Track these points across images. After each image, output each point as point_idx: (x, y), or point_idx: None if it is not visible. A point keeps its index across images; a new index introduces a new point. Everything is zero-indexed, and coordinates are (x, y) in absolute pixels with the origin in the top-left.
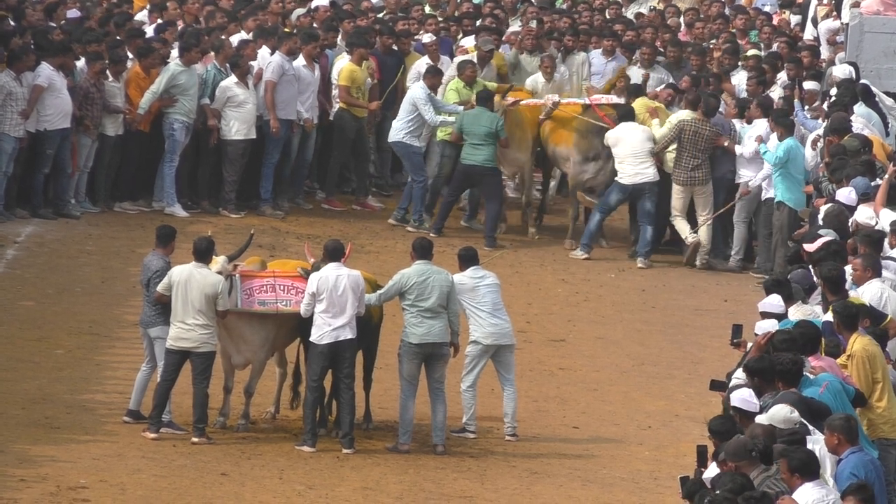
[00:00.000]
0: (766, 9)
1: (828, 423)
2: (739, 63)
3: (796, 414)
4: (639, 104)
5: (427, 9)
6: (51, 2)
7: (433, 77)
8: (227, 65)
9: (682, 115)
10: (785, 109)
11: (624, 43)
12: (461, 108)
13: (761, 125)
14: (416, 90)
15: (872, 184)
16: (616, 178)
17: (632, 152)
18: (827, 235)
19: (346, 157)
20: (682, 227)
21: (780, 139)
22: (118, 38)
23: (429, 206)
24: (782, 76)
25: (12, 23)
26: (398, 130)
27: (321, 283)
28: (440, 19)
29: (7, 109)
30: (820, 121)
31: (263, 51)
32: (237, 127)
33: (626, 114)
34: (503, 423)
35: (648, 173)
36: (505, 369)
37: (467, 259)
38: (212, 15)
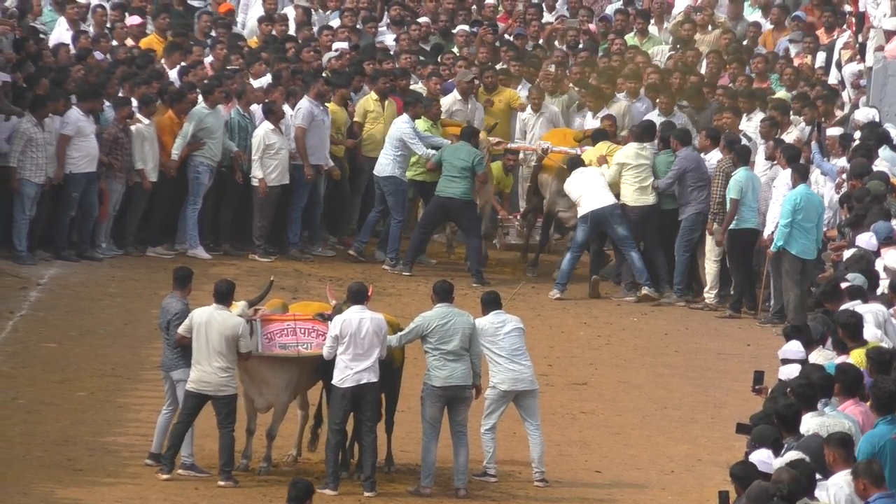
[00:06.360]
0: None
1: (853, 469)
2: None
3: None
4: (594, 151)
5: (455, 50)
6: (83, 47)
7: (415, 107)
8: (251, 110)
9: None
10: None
11: (649, 85)
12: (447, 140)
13: (786, 175)
14: (401, 125)
15: None
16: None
17: (587, 187)
18: (854, 280)
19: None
20: (712, 274)
21: (794, 185)
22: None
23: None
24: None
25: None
26: (386, 165)
27: (344, 326)
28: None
29: (27, 155)
30: (837, 163)
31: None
32: (274, 174)
33: (574, 163)
34: (531, 468)
35: (607, 197)
36: (529, 414)
37: (489, 303)
38: (227, 59)
